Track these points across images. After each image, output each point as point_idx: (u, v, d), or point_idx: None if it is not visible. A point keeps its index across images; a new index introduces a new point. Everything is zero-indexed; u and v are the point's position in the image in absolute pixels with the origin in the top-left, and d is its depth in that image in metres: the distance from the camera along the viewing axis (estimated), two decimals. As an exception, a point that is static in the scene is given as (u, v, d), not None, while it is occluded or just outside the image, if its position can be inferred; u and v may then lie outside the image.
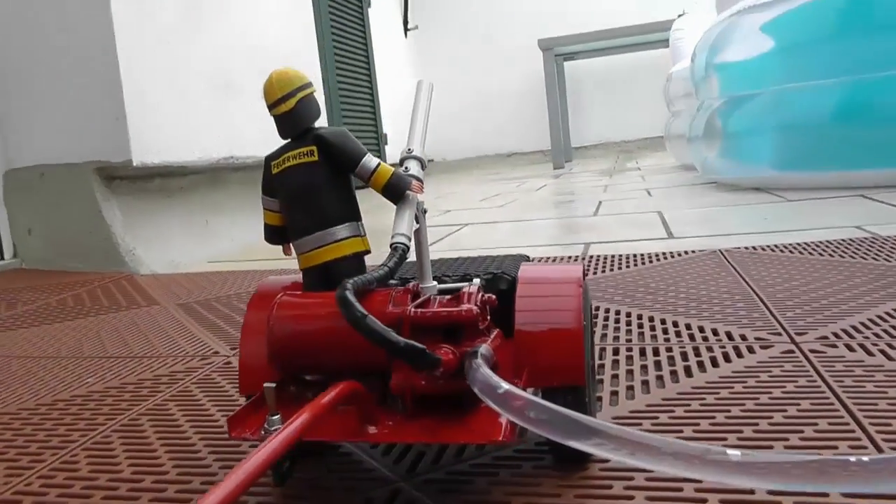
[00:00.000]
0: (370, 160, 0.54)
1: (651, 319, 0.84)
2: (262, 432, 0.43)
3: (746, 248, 1.22)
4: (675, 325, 0.80)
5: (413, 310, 0.45)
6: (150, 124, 1.72)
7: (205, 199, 1.94)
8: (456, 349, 0.43)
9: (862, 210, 1.54)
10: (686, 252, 1.23)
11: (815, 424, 0.52)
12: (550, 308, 0.47)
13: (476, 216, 2.18)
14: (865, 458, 0.28)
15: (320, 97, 2.39)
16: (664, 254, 1.24)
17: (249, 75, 2.07)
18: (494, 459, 0.52)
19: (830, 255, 1.10)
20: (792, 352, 0.68)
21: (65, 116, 1.76)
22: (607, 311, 0.90)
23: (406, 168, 0.55)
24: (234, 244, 1.89)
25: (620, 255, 1.27)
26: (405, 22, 5.72)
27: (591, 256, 1.29)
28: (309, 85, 0.56)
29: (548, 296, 0.48)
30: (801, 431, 0.51)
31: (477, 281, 0.50)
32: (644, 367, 0.68)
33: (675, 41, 3.50)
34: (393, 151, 5.25)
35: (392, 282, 0.52)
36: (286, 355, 0.48)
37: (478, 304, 0.45)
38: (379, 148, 4.96)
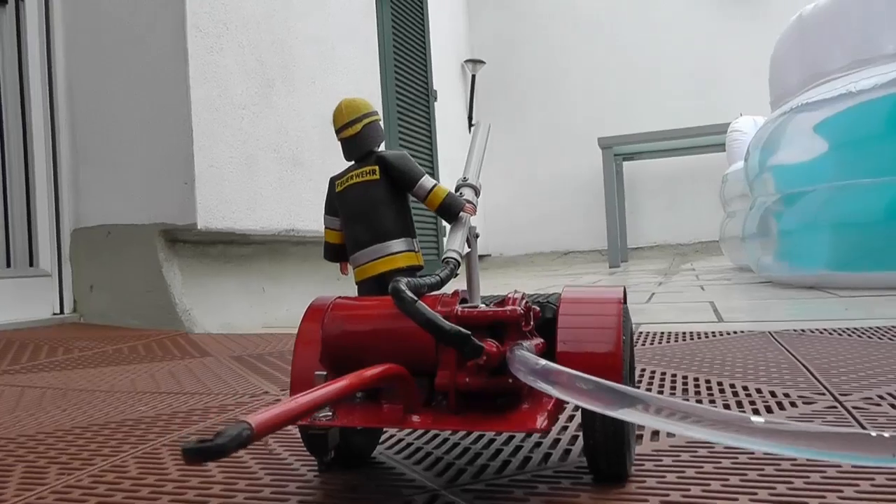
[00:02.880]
0: (427, 181, 0.58)
1: (696, 380, 0.84)
2: (311, 419, 0.46)
3: (795, 330, 1.21)
4: (720, 384, 0.80)
5: (461, 309, 0.48)
6: (217, 192, 1.80)
7: (263, 268, 2.01)
8: (499, 346, 0.45)
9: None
10: (735, 332, 1.23)
11: (872, 479, 0.49)
12: (591, 326, 0.49)
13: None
14: None
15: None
16: (713, 332, 1.24)
17: (315, 152, 2.16)
18: (534, 476, 0.52)
19: (879, 338, 1.08)
20: (834, 407, 0.67)
21: (135, 179, 1.85)
22: (652, 372, 0.90)
23: (461, 194, 0.59)
24: (290, 314, 1.93)
25: (669, 333, 1.27)
26: (470, 117, 5.89)
27: (640, 333, 1.29)
28: (375, 112, 0.60)
29: (589, 314, 0.50)
30: (857, 485, 0.49)
31: (521, 292, 0.52)
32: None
33: (731, 142, 3.53)
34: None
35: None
36: (338, 353, 0.50)
37: (522, 308, 0.47)
38: (437, 241, 5.04)
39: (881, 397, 0.70)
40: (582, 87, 6.10)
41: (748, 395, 0.74)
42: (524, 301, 0.49)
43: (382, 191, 0.57)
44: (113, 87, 1.90)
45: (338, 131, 0.60)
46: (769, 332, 1.20)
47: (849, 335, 1.13)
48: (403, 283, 0.47)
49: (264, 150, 2.01)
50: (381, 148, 0.60)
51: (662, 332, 1.27)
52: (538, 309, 0.50)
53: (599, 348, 0.48)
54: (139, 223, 1.83)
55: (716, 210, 5.49)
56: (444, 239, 0.57)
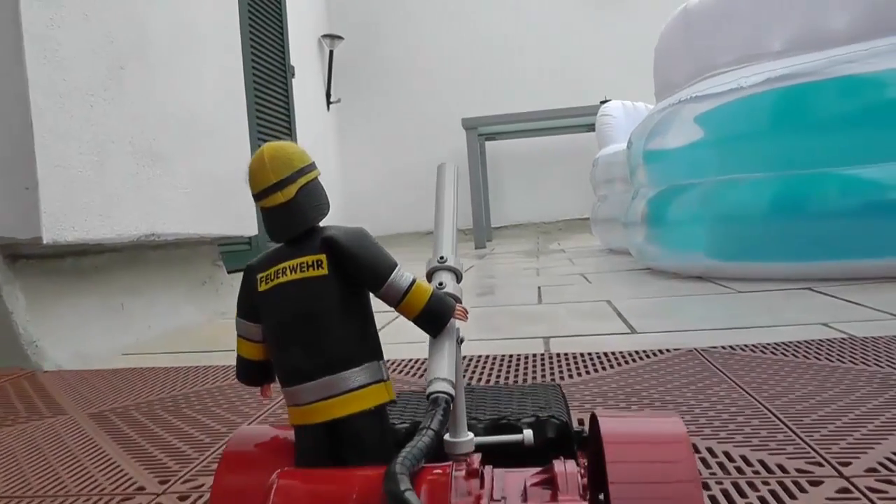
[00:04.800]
0: (402, 276, 0.41)
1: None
2: None
3: (724, 347, 1.15)
4: (697, 450, 0.71)
5: None
6: (65, 196, 1.55)
7: (122, 280, 1.77)
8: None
9: (815, 304, 1.51)
10: (660, 351, 1.16)
11: None
12: (657, 480, 0.35)
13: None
14: None
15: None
16: (636, 353, 1.16)
17: (176, 143, 1.93)
18: None
19: (816, 357, 1.04)
20: (848, 490, 0.59)
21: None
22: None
23: (441, 285, 0.43)
24: (153, 332, 1.71)
25: (588, 354, 1.18)
26: (328, 94, 5.66)
27: (556, 354, 1.20)
28: (313, 167, 0.43)
29: (650, 462, 0.36)
30: None
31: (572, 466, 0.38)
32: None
33: (601, 126, 3.53)
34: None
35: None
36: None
37: (581, 492, 0.34)
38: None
39: (884, 466, 0.63)
40: (445, 68, 6.01)
41: (741, 473, 0.65)
42: (581, 478, 0.35)
43: (333, 293, 0.40)
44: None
45: (258, 196, 0.42)
46: (697, 351, 1.13)
47: (783, 353, 1.07)
48: (400, 467, 0.31)
49: (118, 142, 1.75)
50: (325, 222, 0.43)
51: (579, 355, 1.18)
52: (583, 472, 0.37)
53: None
54: (-32, 238, 1.56)
55: (579, 189, 5.58)
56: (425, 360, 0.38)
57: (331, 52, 5.60)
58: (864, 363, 0.99)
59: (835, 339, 1.14)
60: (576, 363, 1.12)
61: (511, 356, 1.20)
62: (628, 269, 2.55)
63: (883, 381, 0.89)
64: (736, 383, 0.93)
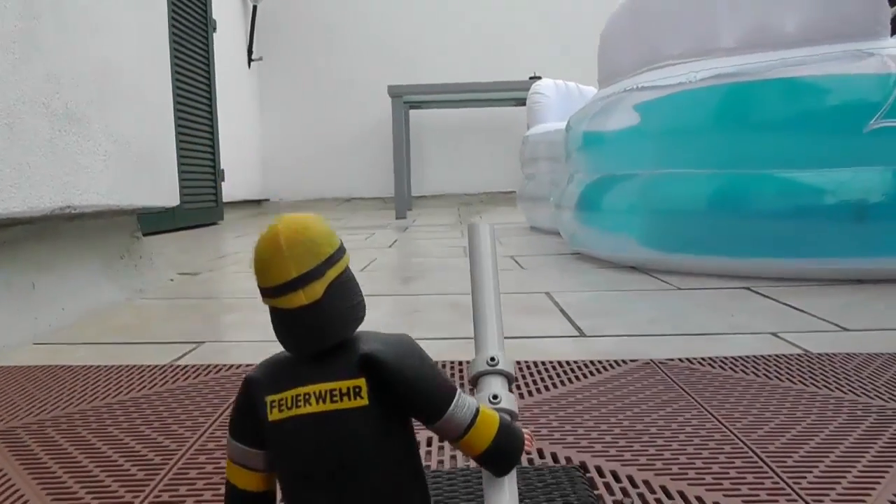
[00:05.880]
0: (464, 406, 0.32)
1: (648, 485, 0.70)
2: None
3: (681, 360, 1.12)
4: (667, 494, 0.67)
5: None
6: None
7: (32, 255, 1.62)
8: None
9: (759, 307, 1.51)
10: (616, 363, 1.12)
11: None
12: None
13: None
14: None
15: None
16: (591, 364, 1.12)
17: (94, 103, 1.77)
18: None
19: (778, 376, 1.02)
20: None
21: None
22: (583, 467, 0.75)
23: (495, 398, 0.35)
24: (67, 315, 1.58)
25: (538, 364, 1.13)
26: (250, 51, 5.43)
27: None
28: (342, 251, 0.33)
29: None
30: None
31: None
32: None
33: (532, 104, 3.49)
34: (229, 189, 4.92)
35: None
36: None
37: None
38: (215, 185, 4.62)
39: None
40: (373, 33, 5.86)
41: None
42: None
43: (373, 428, 0.31)
44: None
45: (269, 292, 0.32)
46: (654, 364, 1.10)
47: (743, 370, 1.05)
48: None
49: (30, 104, 1.59)
50: (362, 329, 0.33)
51: (532, 364, 1.13)
52: None
53: None
54: None
55: (503, 162, 5.57)
56: (483, 488, 0.29)
57: (254, 7, 5.37)
58: (814, 383, 0.97)
59: (791, 355, 1.13)
60: (526, 375, 1.07)
61: (453, 363, 1.14)
62: (558, 254, 2.53)
63: (837, 403, 0.88)
64: (705, 408, 0.90)
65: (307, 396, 0.31)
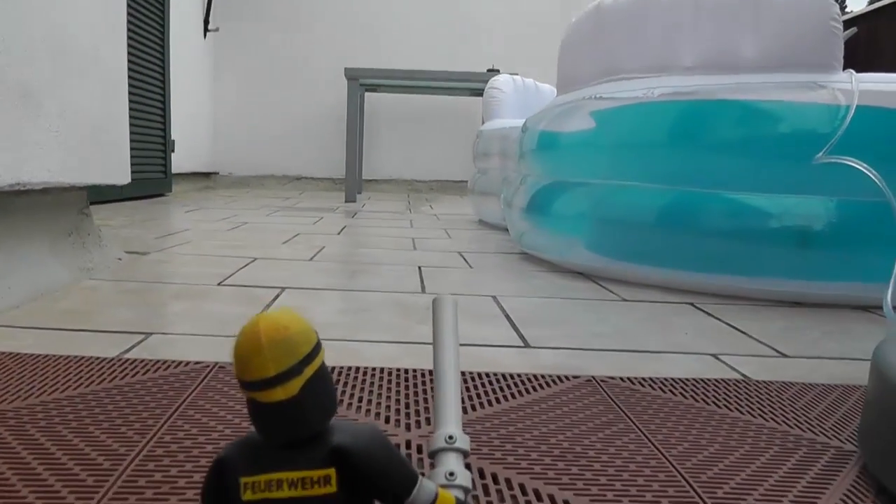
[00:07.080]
0: (426, 489, 0.34)
1: (584, 514, 0.71)
2: None
3: (622, 379, 1.14)
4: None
5: None
6: None
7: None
8: None
9: (702, 326, 1.54)
10: (559, 379, 1.13)
11: None
12: None
13: (288, 275, 1.97)
14: None
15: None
16: (534, 379, 1.13)
17: (45, 77, 1.70)
18: None
19: (716, 402, 1.04)
20: None
21: None
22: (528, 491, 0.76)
23: (451, 475, 0.37)
24: (13, 295, 1.52)
25: (482, 376, 1.14)
26: (206, 21, 5.31)
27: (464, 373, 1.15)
28: (319, 348, 0.34)
29: None
30: None
31: None
32: None
33: (489, 99, 3.49)
34: (179, 161, 4.82)
35: None
36: None
37: None
38: (165, 156, 4.53)
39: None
40: (334, 12, 5.78)
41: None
42: None
43: None
44: None
45: (250, 385, 0.33)
46: (595, 381, 1.12)
47: (682, 394, 1.07)
48: None
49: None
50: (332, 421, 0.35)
51: (476, 376, 1.14)
52: None
53: None
54: None
55: (454, 152, 5.57)
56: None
57: (211, -26, 5.26)
58: (750, 411, 1.00)
59: (730, 380, 1.16)
60: (471, 388, 1.08)
61: (400, 371, 1.14)
62: (506, 252, 2.55)
63: (771, 433, 0.90)
64: (643, 433, 0.92)
65: (279, 482, 0.33)
